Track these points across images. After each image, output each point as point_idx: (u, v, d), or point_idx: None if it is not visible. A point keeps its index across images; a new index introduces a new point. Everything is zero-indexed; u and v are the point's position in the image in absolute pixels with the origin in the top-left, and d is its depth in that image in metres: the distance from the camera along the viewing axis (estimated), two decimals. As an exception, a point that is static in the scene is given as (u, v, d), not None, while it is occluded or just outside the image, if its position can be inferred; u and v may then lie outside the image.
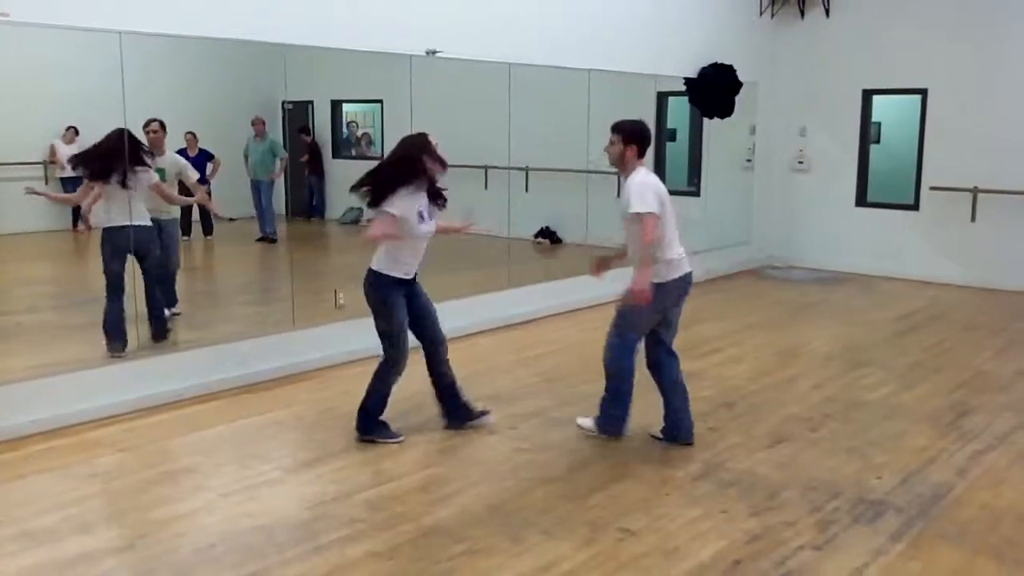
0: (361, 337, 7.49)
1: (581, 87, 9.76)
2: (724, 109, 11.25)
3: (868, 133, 12.03)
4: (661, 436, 5.71)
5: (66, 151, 8.86)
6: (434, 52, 7.98)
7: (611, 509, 4.73)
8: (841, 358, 7.87)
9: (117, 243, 6.80)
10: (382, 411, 5.68)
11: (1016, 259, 10.88)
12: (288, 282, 7.76)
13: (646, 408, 5.79)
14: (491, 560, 4.17)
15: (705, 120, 11.44)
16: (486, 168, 9.86)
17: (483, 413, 5.98)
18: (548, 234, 11.44)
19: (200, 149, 8.82)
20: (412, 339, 5.68)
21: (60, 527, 4.49)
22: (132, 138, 6.80)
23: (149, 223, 6.94)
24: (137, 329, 6.78)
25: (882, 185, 12.07)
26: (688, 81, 11.04)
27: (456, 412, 5.90)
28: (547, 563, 4.14)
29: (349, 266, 10.06)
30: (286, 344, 7.18)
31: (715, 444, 5.68)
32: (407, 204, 5.36)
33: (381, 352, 5.65)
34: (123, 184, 6.72)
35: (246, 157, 9.66)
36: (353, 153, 11.39)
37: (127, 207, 6.76)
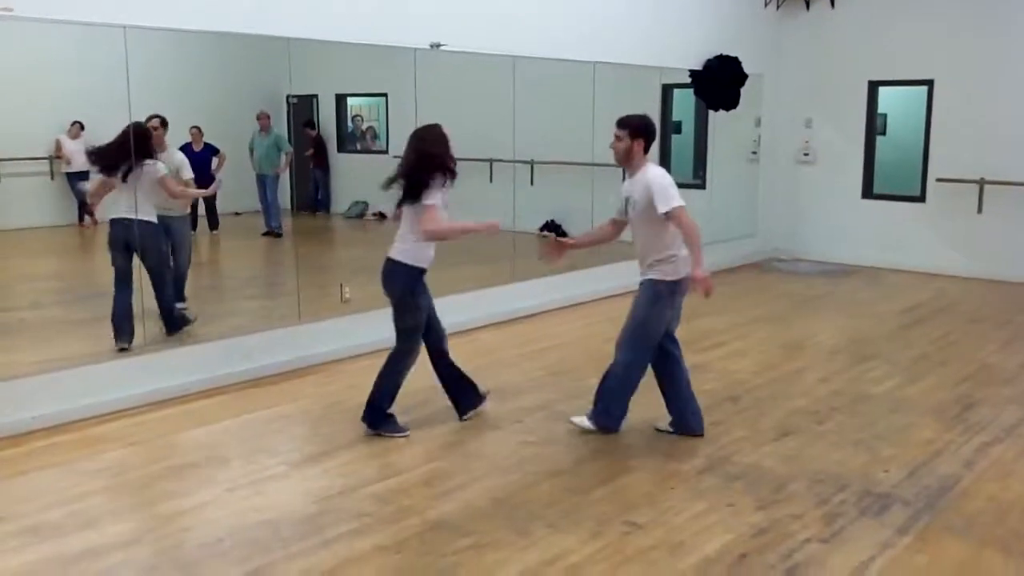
0: (367, 331, 7.53)
1: (586, 80, 9.74)
2: (729, 101, 11.23)
3: (874, 125, 12.00)
4: (671, 429, 5.70)
5: (71, 146, 8.86)
6: (439, 45, 7.97)
7: (617, 502, 4.73)
8: (847, 351, 7.86)
9: (117, 235, 6.84)
10: (391, 404, 5.68)
11: (1023, 251, 10.84)
12: (294, 276, 7.76)
13: (649, 402, 5.78)
14: (497, 554, 4.17)
15: (710, 112, 11.42)
16: (491, 161, 9.85)
17: (485, 394, 6.06)
18: (553, 227, 11.41)
19: (205, 143, 8.82)
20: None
21: (65, 522, 4.50)
22: (142, 132, 6.82)
23: (152, 219, 6.93)
24: (144, 324, 6.78)
25: (888, 177, 12.04)
26: (693, 73, 11.01)
27: (468, 394, 5.93)
28: (553, 556, 4.14)
29: (355, 260, 10.12)
30: (292, 338, 7.18)
31: (720, 438, 5.67)
32: (441, 195, 5.43)
33: (395, 345, 5.65)
34: (124, 178, 6.74)
35: (251, 151, 9.65)
36: (358, 147, 11.38)
37: (132, 201, 6.78)
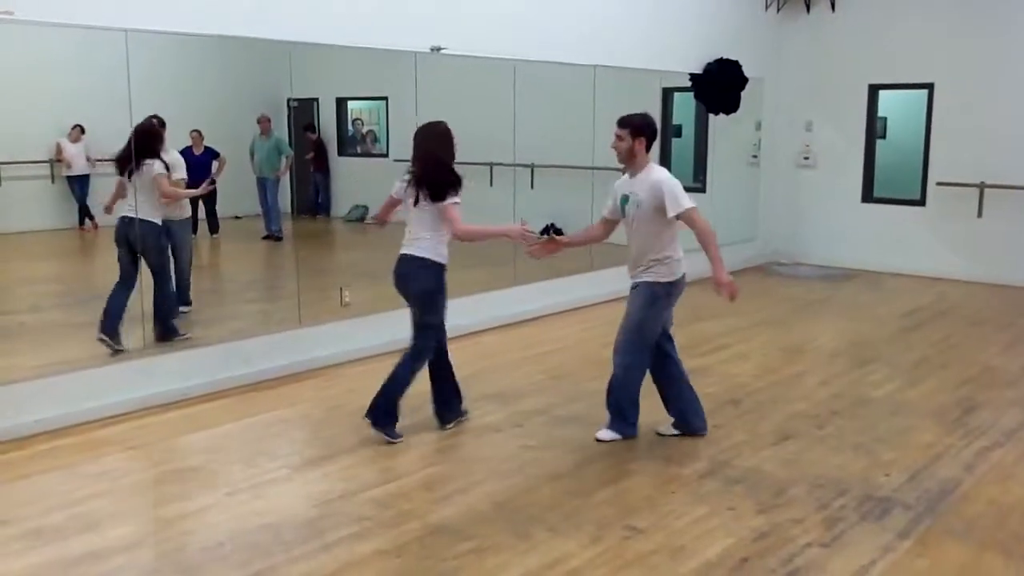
0: (367, 335, 7.54)
1: (586, 83, 9.75)
2: (729, 105, 11.23)
3: (874, 128, 12.00)
4: (675, 431, 5.70)
5: (72, 150, 8.87)
6: (439, 49, 7.97)
7: (617, 507, 4.73)
8: (847, 354, 7.86)
9: (120, 232, 6.93)
10: (399, 402, 5.62)
11: (1023, 254, 10.84)
12: (294, 280, 7.76)
13: (649, 407, 5.77)
14: (498, 558, 4.17)
15: (711, 116, 11.42)
16: (491, 165, 9.85)
17: (466, 411, 6.01)
18: (554, 231, 11.41)
19: (206, 147, 8.83)
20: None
21: (67, 526, 4.49)
22: (145, 130, 6.86)
23: (152, 219, 6.95)
24: (143, 328, 6.79)
25: (888, 180, 12.05)
26: (693, 77, 11.02)
27: (452, 405, 5.88)
28: (553, 560, 4.14)
29: (355, 264, 10.12)
30: (292, 342, 7.18)
31: (721, 441, 5.67)
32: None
33: (413, 343, 5.61)
34: (129, 176, 6.83)
35: (252, 155, 9.66)
36: (358, 150, 11.39)
37: (135, 199, 6.83)
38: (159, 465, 5.38)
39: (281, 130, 9.49)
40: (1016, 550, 4.29)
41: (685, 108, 11.96)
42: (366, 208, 10.98)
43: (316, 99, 10.81)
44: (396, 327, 7.36)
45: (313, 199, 11.04)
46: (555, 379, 7.01)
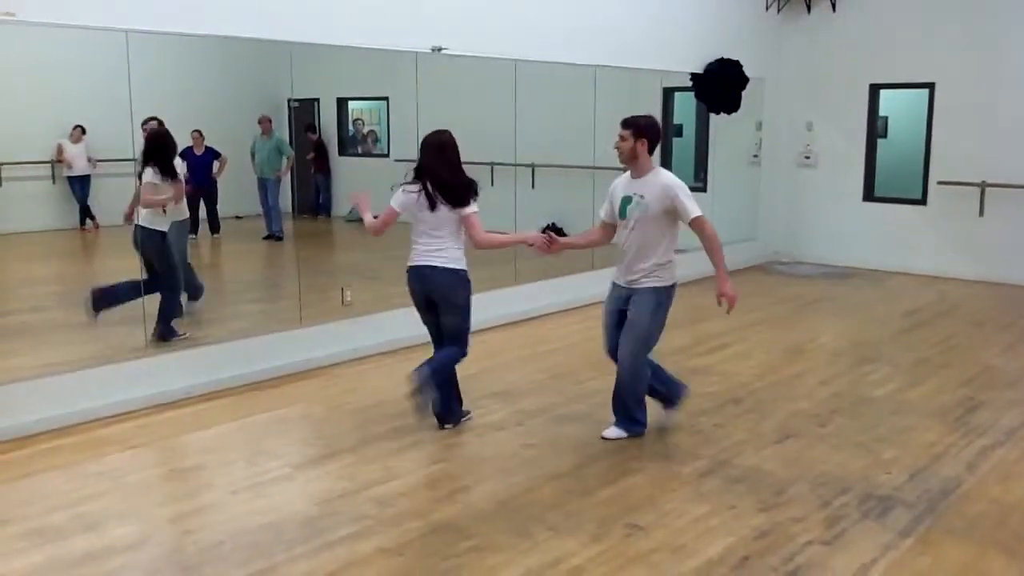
0: (368, 334, 7.55)
1: (587, 83, 9.75)
2: (730, 104, 11.23)
3: (875, 127, 12.00)
4: (666, 409, 5.79)
5: (73, 150, 8.89)
6: (440, 49, 7.98)
7: (619, 505, 4.73)
8: (849, 353, 7.86)
9: (132, 238, 7.01)
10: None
11: (1024, 253, 10.85)
12: (295, 280, 7.77)
13: (651, 404, 5.78)
14: (499, 556, 4.17)
15: (711, 116, 11.42)
16: (492, 165, 9.85)
17: (468, 412, 6.03)
18: (555, 231, 11.41)
19: (207, 147, 8.84)
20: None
21: (68, 525, 4.50)
22: (151, 136, 6.90)
23: (146, 224, 6.97)
24: (145, 327, 6.79)
25: (889, 180, 12.04)
26: (694, 76, 11.02)
27: (453, 404, 5.89)
28: (555, 559, 4.14)
29: (356, 264, 10.12)
30: (293, 342, 7.18)
31: (722, 440, 5.67)
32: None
33: (455, 348, 5.67)
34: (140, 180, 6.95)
35: (253, 155, 9.68)
36: (359, 151, 11.40)
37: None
38: (160, 464, 5.39)
39: (282, 130, 9.50)
40: (1018, 549, 4.29)
41: (686, 108, 11.96)
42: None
43: (317, 99, 10.82)
44: (397, 327, 7.43)
45: (314, 199, 11.05)
46: (556, 378, 7.01)
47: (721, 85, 11.07)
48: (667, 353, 6.69)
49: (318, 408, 6.35)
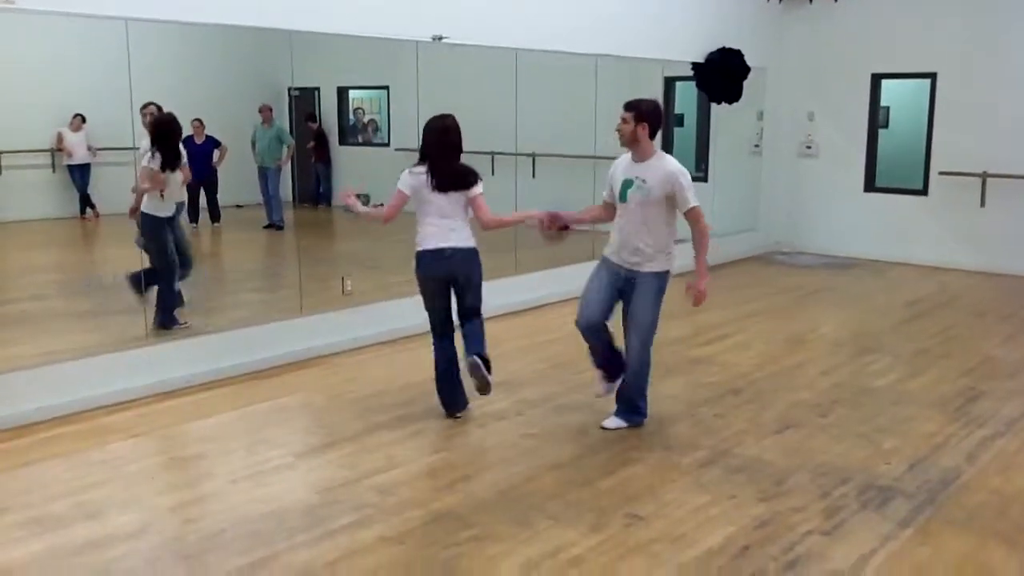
0: (368, 323, 7.55)
1: (588, 73, 9.72)
2: (732, 94, 11.20)
3: (877, 118, 11.97)
4: (608, 381, 5.79)
5: (73, 139, 8.87)
6: (441, 38, 7.95)
7: (619, 495, 4.74)
8: (849, 344, 7.86)
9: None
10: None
11: (1025, 244, 10.84)
12: (295, 269, 7.76)
13: (651, 398, 5.79)
14: (500, 545, 4.17)
15: (713, 105, 11.39)
16: (493, 154, 9.83)
17: (467, 403, 6.01)
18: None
19: (207, 136, 8.83)
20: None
21: (69, 513, 4.50)
22: (154, 122, 6.88)
23: (145, 211, 6.95)
24: (146, 316, 6.79)
25: (891, 170, 12.02)
26: (696, 66, 10.99)
27: (457, 391, 5.93)
28: (555, 548, 4.14)
29: (356, 253, 10.11)
30: (294, 331, 7.18)
31: (722, 430, 5.67)
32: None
33: (478, 320, 5.94)
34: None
35: (253, 144, 9.66)
36: (360, 140, 11.38)
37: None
38: (161, 453, 5.39)
39: (282, 119, 9.48)
40: (1017, 540, 4.30)
41: (687, 97, 11.93)
42: (367, 197, 10.95)
43: (317, 88, 10.80)
44: (397, 316, 7.44)
45: (314, 188, 11.03)
46: (556, 368, 7.01)
47: (722, 75, 11.04)
48: (667, 343, 6.71)
49: (319, 397, 6.36)
